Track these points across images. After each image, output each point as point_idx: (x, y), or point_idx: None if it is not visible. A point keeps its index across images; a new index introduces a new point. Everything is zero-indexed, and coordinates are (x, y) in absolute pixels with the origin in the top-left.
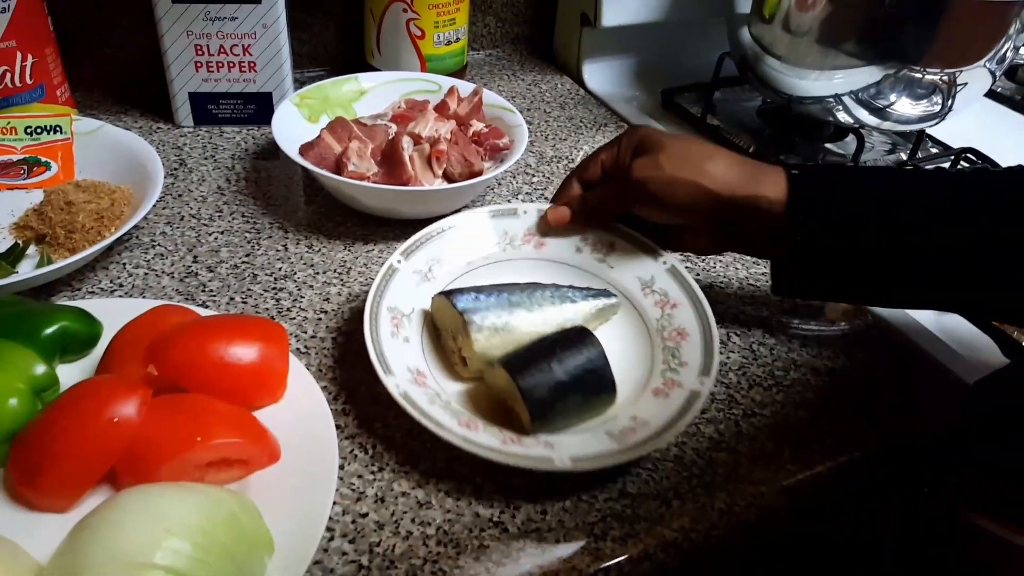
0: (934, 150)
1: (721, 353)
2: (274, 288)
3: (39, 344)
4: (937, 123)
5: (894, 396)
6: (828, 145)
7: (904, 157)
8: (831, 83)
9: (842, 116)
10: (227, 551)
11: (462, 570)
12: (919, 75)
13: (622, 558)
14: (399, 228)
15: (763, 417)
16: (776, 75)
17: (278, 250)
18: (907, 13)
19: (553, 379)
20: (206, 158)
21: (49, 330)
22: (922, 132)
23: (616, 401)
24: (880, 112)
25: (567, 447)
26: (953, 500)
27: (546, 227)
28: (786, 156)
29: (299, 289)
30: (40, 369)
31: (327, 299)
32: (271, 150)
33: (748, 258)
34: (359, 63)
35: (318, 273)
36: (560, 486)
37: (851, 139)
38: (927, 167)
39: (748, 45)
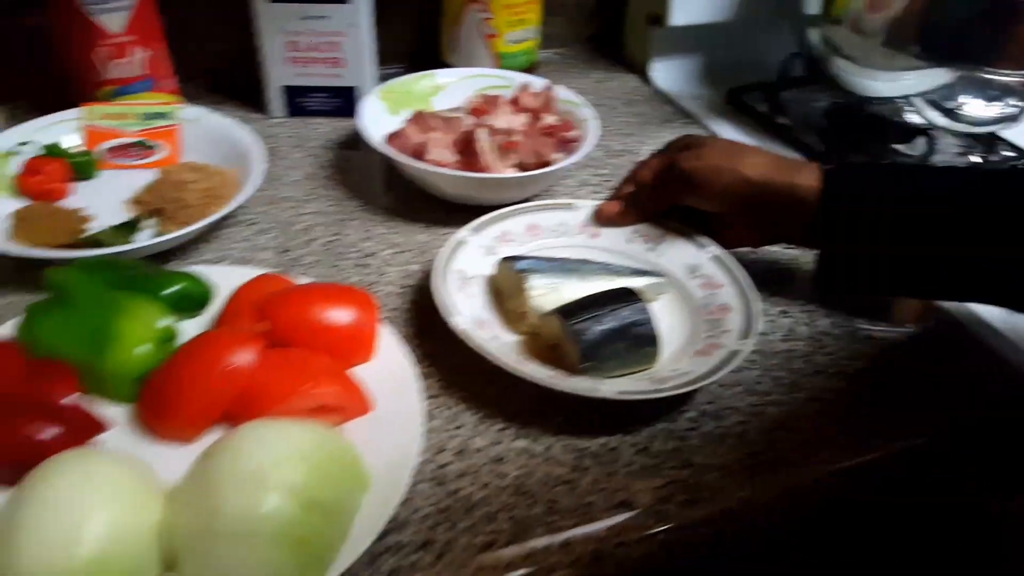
0: (1007, 153)
1: (786, 341)
2: (360, 264)
3: (161, 302)
4: (1011, 126)
5: (960, 391)
6: (897, 146)
7: (976, 160)
8: (901, 84)
9: (912, 117)
10: (334, 481)
11: (535, 519)
12: (992, 77)
13: (685, 522)
14: (473, 213)
15: (826, 402)
16: (845, 75)
17: (364, 231)
18: (977, 15)
19: (602, 324)
20: (296, 147)
21: (169, 290)
22: (994, 135)
23: (659, 361)
24: (951, 114)
25: (612, 386)
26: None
27: (599, 220)
28: (854, 157)
29: (383, 266)
30: (165, 322)
31: (408, 275)
32: (355, 140)
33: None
34: (433, 61)
35: (400, 252)
36: (627, 452)
37: (921, 141)
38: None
39: (817, 45)
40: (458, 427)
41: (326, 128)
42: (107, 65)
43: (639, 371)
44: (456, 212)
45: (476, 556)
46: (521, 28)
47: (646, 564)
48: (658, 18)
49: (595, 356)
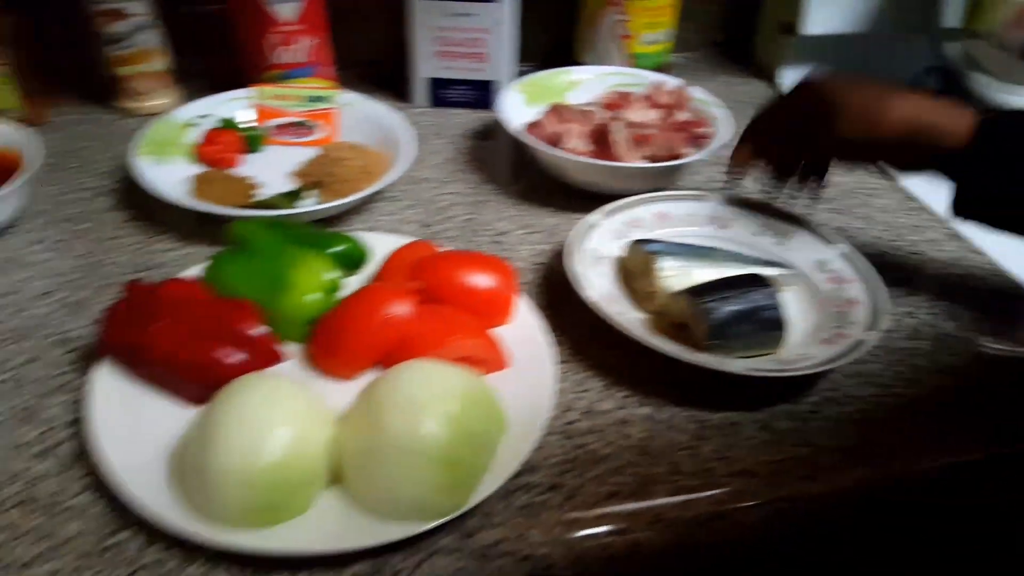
0: None
1: (910, 340)
2: (495, 241)
3: (327, 258)
4: None
5: None
6: None
7: None
8: None
9: None
10: (480, 417)
11: (658, 477)
12: None
13: (801, 494)
14: (601, 201)
15: (943, 402)
16: (984, 90)
17: (498, 211)
18: None
19: (731, 305)
20: (437, 134)
21: (334, 249)
22: None
23: (784, 346)
24: None
25: (736, 366)
26: None
27: (729, 203)
28: None
29: (516, 244)
30: (332, 275)
31: (539, 253)
32: (490, 131)
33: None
34: (565, 59)
35: (531, 232)
36: (748, 427)
37: None
38: None
39: (954, 59)
40: (585, 391)
41: (464, 118)
42: (276, 51)
43: (763, 354)
44: (584, 199)
45: (602, 502)
46: (656, 31)
47: (761, 529)
48: (791, 26)
49: (722, 335)
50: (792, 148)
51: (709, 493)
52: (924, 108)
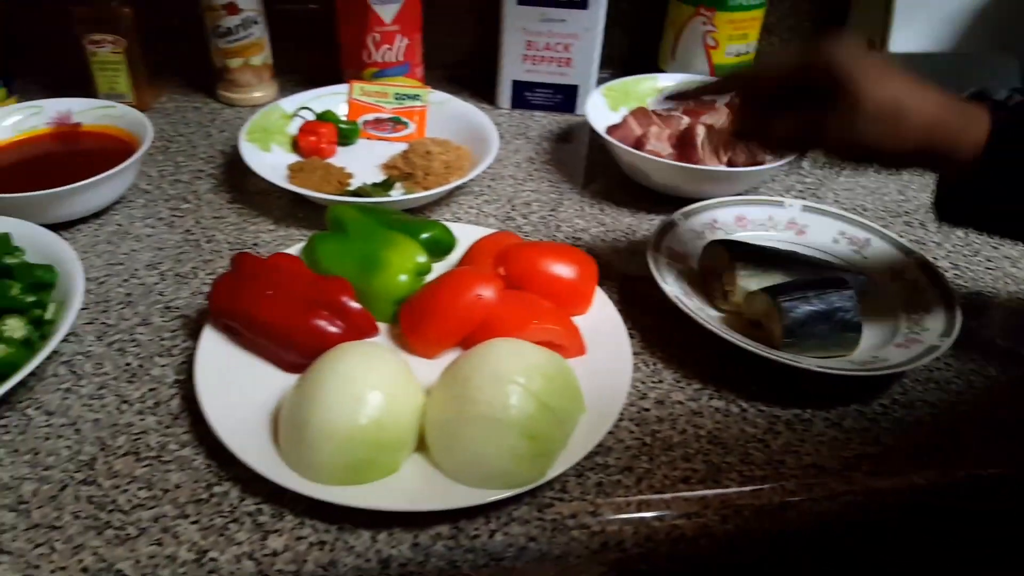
0: None
1: (982, 351)
2: (573, 237)
3: (418, 243)
4: None
5: None
6: None
7: None
8: None
9: None
10: (561, 394)
11: (729, 466)
12: None
13: (871, 489)
14: (678, 204)
15: (1012, 413)
16: None
17: (576, 209)
18: None
19: (809, 304)
20: (519, 135)
21: (425, 235)
22: None
23: (858, 348)
24: None
25: (811, 363)
26: None
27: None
28: None
29: (593, 241)
30: (422, 258)
31: (616, 251)
32: (571, 133)
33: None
34: (644, 66)
35: (608, 231)
36: (819, 424)
37: None
38: None
39: None
40: (658, 381)
41: (545, 121)
42: (375, 49)
43: (837, 355)
44: (661, 202)
45: (674, 486)
46: (741, 42)
47: (827, 522)
48: (876, 44)
49: (798, 334)
50: (790, 126)
51: (779, 484)
52: (944, 113)
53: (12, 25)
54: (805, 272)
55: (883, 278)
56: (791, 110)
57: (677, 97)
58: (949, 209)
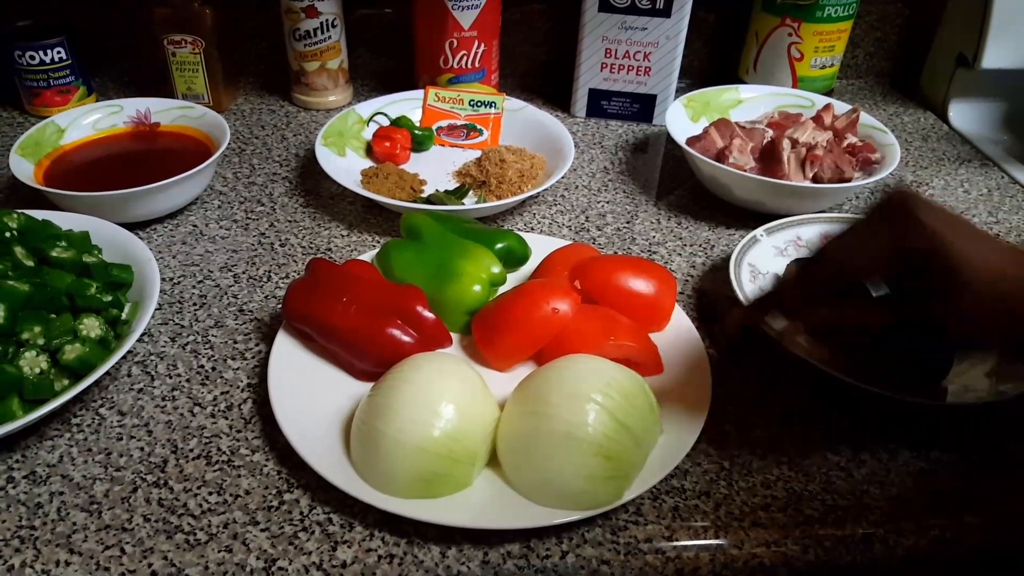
0: None
1: None
2: (648, 251)
3: (492, 253)
4: None
5: None
6: None
7: None
8: None
9: None
10: (640, 414)
11: (811, 494)
12: None
13: (958, 523)
14: (757, 220)
15: None
16: None
17: (652, 222)
18: None
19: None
20: (594, 144)
21: (499, 245)
22: None
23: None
24: None
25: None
26: None
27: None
28: None
29: (669, 255)
30: (497, 268)
31: (693, 266)
32: (646, 143)
33: None
34: (724, 77)
35: (685, 245)
36: (903, 454)
37: None
38: None
39: None
40: (738, 404)
41: (621, 130)
42: (452, 55)
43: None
44: (741, 217)
45: (753, 513)
46: (827, 55)
47: (913, 557)
48: (968, 59)
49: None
50: (878, 313)
51: (862, 515)
52: None
53: (92, 24)
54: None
55: None
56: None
57: (756, 312)
58: None
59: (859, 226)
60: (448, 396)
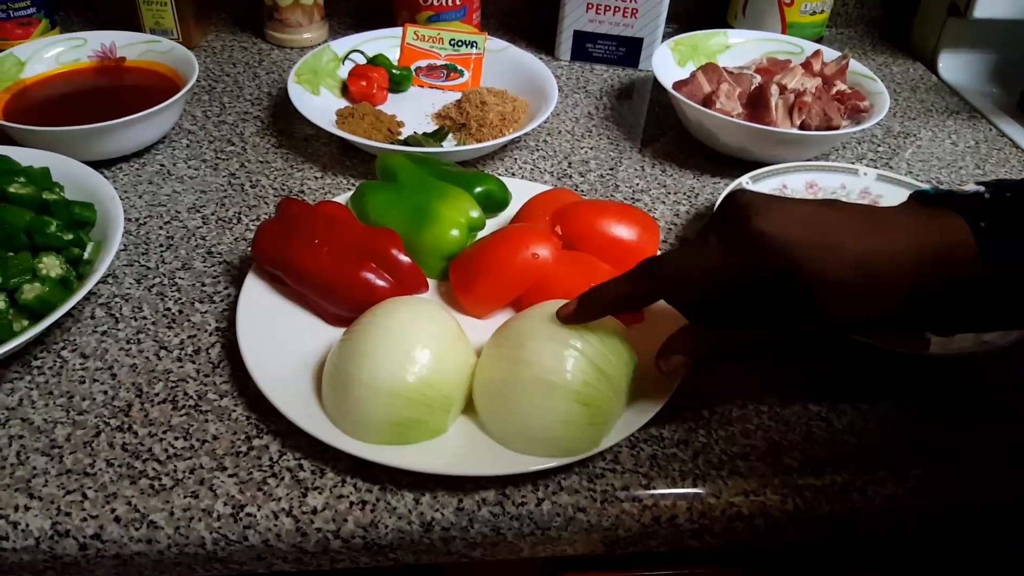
0: None
1: None
2: (632, 199)
3: (471, 197)
4: None
5: None
6: None
7: None
8: None
9: None
10: (619, 362)
11: (789, 444)
12: None
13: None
14: (742, 167)
15: None
16: None
17: (636, 169)
18: None
19: None
20: (578, 89)
21: (479, 189)
22: None
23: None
24: None
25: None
26: None
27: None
28: None
29: (653, 203)
30: (476, 213)
31: (677, 214)
32: (632, 89)
33: None
34: (711, 23)
35: (669, 193)
36: (884, 405)
37: None
38: None
39: None
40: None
41: (606, 75)
42: None
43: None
44: (726, 164)
45: (732, 462)
46: (818, 0)
47: (891, 507)
48: (960, 8)
49: None
50: (749, 336)
51: (842, 465)
52: (916, 235)
53: None
54: None
55: None
56: (736, 315)
57: (579, 315)
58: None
59: (695, 245)
60: (423, 341)
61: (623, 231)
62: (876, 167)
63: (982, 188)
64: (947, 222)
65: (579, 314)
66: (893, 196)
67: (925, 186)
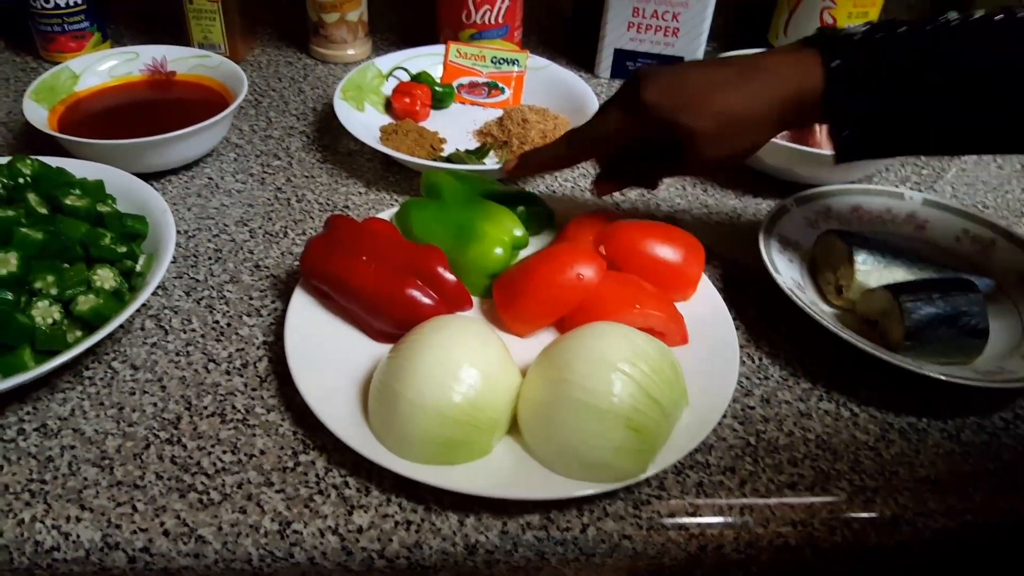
0: None
1: None
2: (672, 218)
3: (515, 215)
4: None
5: None
6: None
7: None
8: None
9: None
10: (667, 386)
11: (839, 473)
12: None
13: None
14: (788, 190)
15: None
16: None
17: (677, 188)
18: None
19: (933, 307)
20: None
21: (521, 207)
22: None
23: (983, 355)
24: None
25: (933, 370)
26: None
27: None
28: None
29: (695, 223)
30: (519, 232)
31: (720, 236)
32: None
33: None
34: (752, 41)
35: (711, 213)
36: (935, 435)
37: None
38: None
39: None
40: (765, 377)
41: None
42: (476, 9)
43: (958, 362)
44: (767, 186)
45: (780, 491)
46: (861, 20)
47: (941, 540)
48: None
49: (920, 337)
50: (650, 173)
51: (891, 496)
52: (778, 83)
53: None
54: (928, 271)
55: (1010, 283)
56: (644, 159)
57: (519, 169)
58: (839, 151)
59: (603, 115)
60: (470, 361)
61: (668, 252)
62: (920, 190)
63: (864, 27)
64: (806, 64)
65: (520, 169)
66: (940, 221)
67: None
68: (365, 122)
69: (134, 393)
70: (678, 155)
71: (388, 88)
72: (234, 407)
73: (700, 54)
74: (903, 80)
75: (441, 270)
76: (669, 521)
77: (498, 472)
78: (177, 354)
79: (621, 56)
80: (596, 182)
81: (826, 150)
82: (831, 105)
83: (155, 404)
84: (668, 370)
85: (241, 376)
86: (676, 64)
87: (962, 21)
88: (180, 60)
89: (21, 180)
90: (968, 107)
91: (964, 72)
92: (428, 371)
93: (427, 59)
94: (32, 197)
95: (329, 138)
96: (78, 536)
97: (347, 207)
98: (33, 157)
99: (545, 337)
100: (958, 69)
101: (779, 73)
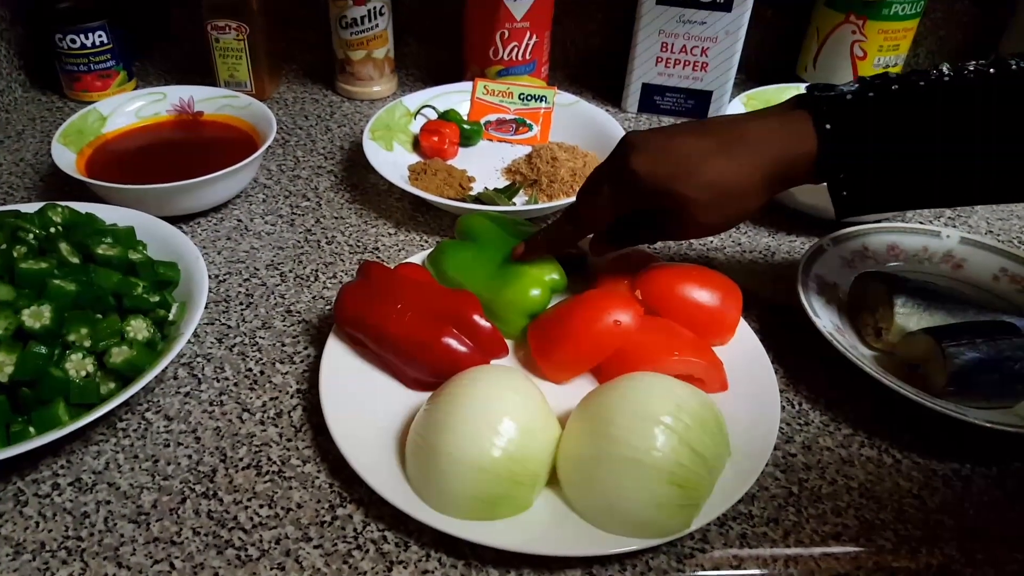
0: None
1: None
2: (705, 257)
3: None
4: None
5: None
6: None
7: None
8: None
9: None
10: (711, 436)
11: (883, 523)
12: None
13: None
14: (823, 230)
15: None
16: None
17: None
18: None
19: (976, 351)
20: None
21: None
22: None
23: None
24: None
25: (978, 416)
26: None
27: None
28: None
29: (728, 262)
30: (555, 275)
31: (754, 275)
32: None
33: None
34: (781, 75)
35: (745, 252)
36: (979, 483)
37: None
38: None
39: None
40: (805, 423)
41: None
42: (503, 46)
43: (1001, 407)
44: (802, 223)
45: (824, 542)
46: (892, 54)
47: None
48: None
49: (963, 383)
50: (641, 236)
51: (937, 547)
52: (768, 151)
53: (132, 8)
54: (969, 313)
55: None
56: (643, 226)
57: (528, 254)
58: (839, 210)
59: (594, 192)
60: (509, 413)
61: (705, 296)
62: (955, 226)
63: (854, 86)
64: (797, 128)
65: (529, 253)
66: (978, 260)
67: None
68: (394, 161)
69: (168, 445)
70: (675, 221)
71: (416, 126)
72: (269, 459)
73: (729, 88)
74: (899, 141)
75: (476, 317)
76: (713, 574)
77: (539, 527)
78: (211, 404)
79: (649, 90)
80: (592, 245)
81: None
82: (825, 170)
83: (190, 456)
84: (711, 422)
85: (276, 426)
86: (663, 129)
87: (955, 75)
88: (207, 100)
89: (53, 229)
90: (967, 162)
91: (962, 129)
92: (467, 425)
93: (454, 96)
94: (64, 247)
95: (357, 177)
96: None
97: (377, 249)
98: (63, 204)
99: (582, 383)
100: (955, 127)
101: (769, 140)
